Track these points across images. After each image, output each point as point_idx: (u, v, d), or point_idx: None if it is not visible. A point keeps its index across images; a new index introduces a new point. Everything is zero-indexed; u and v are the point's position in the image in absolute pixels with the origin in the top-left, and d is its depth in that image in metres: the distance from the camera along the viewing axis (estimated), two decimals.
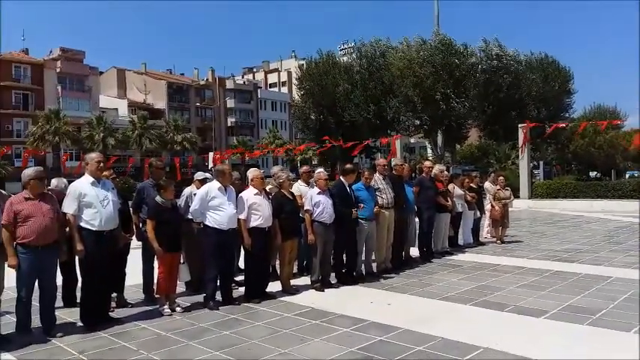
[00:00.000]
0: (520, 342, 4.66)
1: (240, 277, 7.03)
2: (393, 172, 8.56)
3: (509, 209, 11.67)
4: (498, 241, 11.04)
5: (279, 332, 5.10)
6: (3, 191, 5.25)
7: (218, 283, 6.25)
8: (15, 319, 5.10)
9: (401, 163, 9.00)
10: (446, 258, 9.25)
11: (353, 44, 49.00)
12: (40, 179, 5.08)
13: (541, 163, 38.36)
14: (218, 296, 6.22)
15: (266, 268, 6.84)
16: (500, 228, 11.15)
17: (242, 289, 6.65)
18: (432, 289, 6.90)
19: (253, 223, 6.37)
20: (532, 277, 7.50)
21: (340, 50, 62.32)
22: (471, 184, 10.91)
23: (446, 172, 10.36)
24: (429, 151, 49.41)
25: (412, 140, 64.96)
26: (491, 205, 11.17)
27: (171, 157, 39.60)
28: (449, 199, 9.63)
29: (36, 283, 5.09)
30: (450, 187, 10.03)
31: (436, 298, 6.41)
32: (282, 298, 6.49)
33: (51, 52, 56.45)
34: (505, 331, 5.01)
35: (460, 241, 10.59)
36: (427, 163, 10.18)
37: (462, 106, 32.75)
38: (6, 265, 4.93)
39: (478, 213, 10.99)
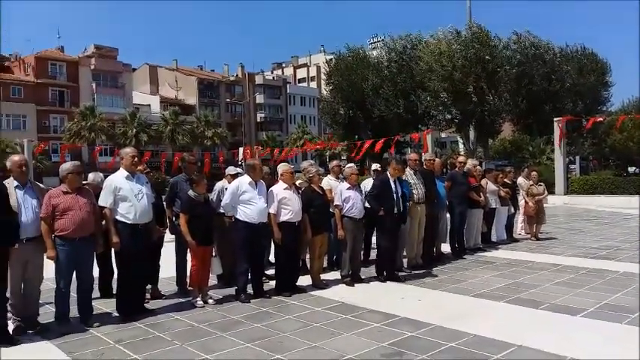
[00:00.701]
0: (555, 340, 4.56)
1: (271, 271, 7.08)
2: (424, 166, 8.46)
3: (545, 205, 11.41)
4: (533, 238, 10.81)
5: (310, 326, 5.12)
6: (41, 185, 5.39)
7: (249, 277, 6.32)
8: (54, 309, 5.25)
9: (431, 157, 8.90)
10: (478, 254, 9.12)
11: (383, 38, 48.53)
12: (77, 174, 5.22)
13: (577, 158, 37.35)
14: (249, 289, 6.29)
15: (296, 262, 6.87)
16: (535, 224, 10.92)
17: (272, 283, 6.70)
18: (464, 285, 6.81)
19: (283, 218, 6.40)
20: (568, 274, 7.32)
21: (370, 44, 61.94)
22: (505, 180, 10.70)
23: (479, 167, 10.19)
24: (461, 145, 48.66)
25: (443, 135, 64.10)
26: (525, 201, 10.95)
27: (202, 152, 40.17)
28: (482, 194, 9.47)
29: (74, 275, 5.24)
30: (483, 182, 9.87)
31: (468, 294, 6.32)
32: (312, 292, 6.51)
33: (85, 49, 57.83)
34: (540, 329, 4.92)
35: (493, 238, 10.42)
36: (461, 158, 10.02)
37: (496, 99, 32.07)
38: (45, 257, 5.08)
39: (512, 209, 10.78)
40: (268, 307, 5.83)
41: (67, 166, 5.28)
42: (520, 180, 11.45)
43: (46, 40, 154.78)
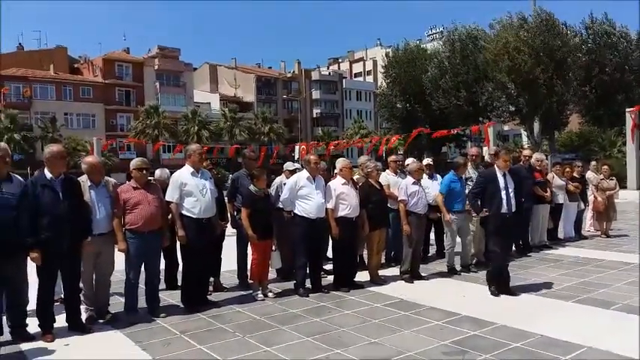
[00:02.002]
0: (627, 342, 4.31)
1: (329, 266, 7.11)
2: (487, 161, 8.22)
3: (615, 201, 10.80)
4: (603, 235, 10.27)
5: (369, 322, 5.10)
6: (113, 180, 5.64)
7: (307, 271, 6.37)
8: (123, 300, 5.50)
9: (496, 151, 8.61)
10: (544, 252, 8.75)
11: (441, 29, 47.51)
12: (141, 170, 5.42)
13: None
14: (307, 284, 6.34)
15: (354, 257, 6.86)
16: (605, 221, 10.36)
17: (331, 278, 6.72)
18: (529, 284, 6.55)
19: (341, 213, 6.40)
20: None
21: (428, 36, 60.80)
22: (574, 174, 10.21)
23: (546, 161, 9.76)
24: (525, 138, 46.89)
25: (506, 128, 62.01)
26: (594, 196, 10.40)
27: (259, 148, 40.89)
28: (548, 189, 9.08)
29: (142, 267, 5.47)
30: (550, 176, 9.46)
31: (534, 293, 6.08)
32: (370, 288, 6.48)
33: (149, 50, 60.14)
34: (610, 330, 4.67)
35: (560, 235, 9.97)
36: (525, 152, 9.63)
37: (565, 90, 30.64)
38: (116, 249, 5.33)
39: (581, 204, 10.27)
40: (327, 302, 5.86)
41: (134, 162, 5.51)
42: (589, 174, 10.88)
43: (113, 43, 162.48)
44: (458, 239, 7.35)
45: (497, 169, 6.24)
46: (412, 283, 6.73)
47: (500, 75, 31.62)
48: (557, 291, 6.16)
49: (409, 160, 8.54)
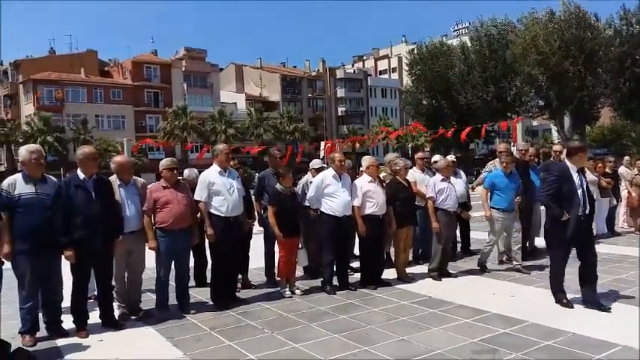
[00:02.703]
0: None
1: (356, 264, 7.10)
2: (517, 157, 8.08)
3: None
4: (637, 232, 9.99)
5: (397, 319, 5.08)
6: (142, 179, 5.75)
7: (334, 269, 6.38)
8: (154, 297, 5.61)
9: (525, 147, 8.47)
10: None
11: (467, 24, 46.87)
12: (171, 170, 5.52)
13: None
14: (334, 281, 6.35)
15: (381, 255, 6.84)
16: (639, 217, 10.08)
17: (357, 276, 6.72)
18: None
19: (367, 211, 6.39)
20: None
21: (454, 31, 60.07)
22: (606, 169, 9.96)
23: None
24: (555, 133, 45.93)
25: (535, 123, 60.89)
26: (628, 192, 10.13)
27: (285, 147, 41.05)
28: None
29: (172, 264, 5.57)
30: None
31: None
32: (397, 286, 6.46)
33: (177, 52, 60.96)
34: None
35: (593, 231, 9.73)
36: (556, 147, 9.44)
37: (596, 82, 29.87)
38: (146, 248, 5.45)
39: (614, 200, 10.01)
40: (354, 299, 5.86)
41: (164, 162, 5.62)
42: (622, 169, 10.60)
43: (141, 46, 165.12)
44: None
45: (569, 164, 5.46)
46: (440, 280, 6.68)
47: (529, 68, 31.02)
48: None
49: (436, 157, 8.48)
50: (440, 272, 6.84)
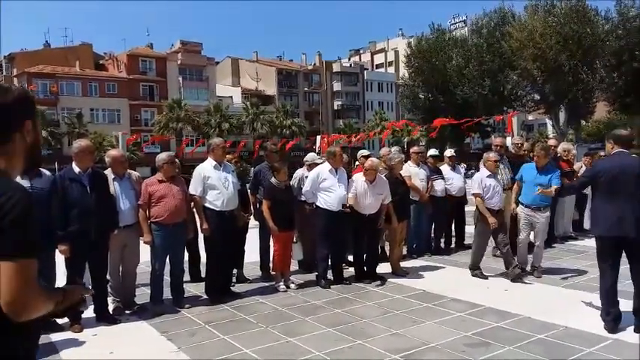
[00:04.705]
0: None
1: (351, 258, 7.11)
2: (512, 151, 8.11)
3: None
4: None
5: (391, 313, 5.11)
6: (137, 173, 5.74)
7: (329, 263, 6.40)
8: (149, 291, 5.61)
9: (519, 141, 8.50)
10: (569, 243, 8.63)
11: (465, 17, 46.83)
12: (172, 163, 5.53)
13: None
14: (329, 275, 6.37)
15: (376, 249, 6.85)
16: None
17: (352, 270, 6.74)
18: (553, 275, 6.47)
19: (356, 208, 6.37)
20: None
21: (451, 25, 59.97)
22: None
23: (574, 152, 9.56)
24: (550, 128, 46.06)
25: (530, 117, 60.99)
26: None
27: (280, 141, 41.00)
28: (575, 180, 8.90)
29: (167, 259, 5.56)
30: (577, 166, 9.28)
31: (558, 285, 6.02)
32: (392, 280, 6.49)
33: (172, 45, 60.66)
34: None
35: (586, 225, 9.77)
36: (551, 142, 9.47)
37: (591, 77, 29.90)
38: (141, 242, 5.44)
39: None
40: (349, 294, 5.89)
41: (162, 156, 5.60)
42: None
43: (136, 39, 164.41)
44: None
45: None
46: (486, 278, 6.43)
47: (526, 62, 31.04)
48: (582, 282, 6.08)
49: (447, 152, 8.49)
50: (476, 269, 6.58)
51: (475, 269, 6.59)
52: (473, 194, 6.50)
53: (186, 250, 6.16)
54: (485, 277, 6.45)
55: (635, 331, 4.27)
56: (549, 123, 44.64)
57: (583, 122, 39.84)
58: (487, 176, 6.48)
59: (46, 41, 57.49)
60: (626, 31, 31.84)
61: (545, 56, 30.13)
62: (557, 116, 34.17)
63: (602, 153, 10.65)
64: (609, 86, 32.48)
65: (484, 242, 6.55)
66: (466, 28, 41.51)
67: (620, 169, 4.40)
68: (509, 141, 9.92)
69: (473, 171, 21.77)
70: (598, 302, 5.25)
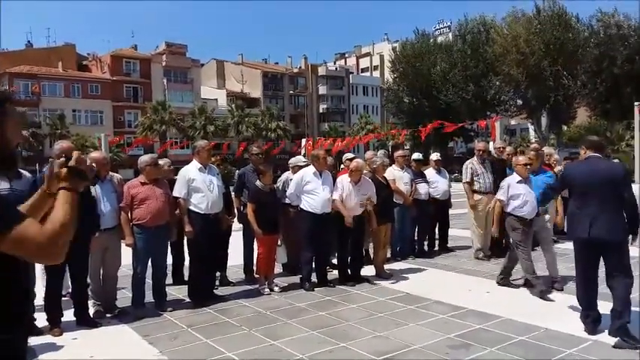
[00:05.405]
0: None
1: (335, 261, 7.12)
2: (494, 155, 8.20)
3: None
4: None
5: (375, 315, 5.12)
6: (118, 176, 5.68)
7: (313, 266, 6.39)
8: (130, 294, 5.55)
9: (502, 145, 8.60)
10: None
11: (449, 23, 47.28)
12: (155, 165, 5.48)
13: None
14: (313, 278, 6.36)
15: (360, 252, 6.87)
16: None
17: (336, 272, 6.74)
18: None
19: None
20: None
21: (435, 30, 60.49)
22: None
23: (556, 156, 9.69)
24: (532, 133, 46.68)
25: (513, 122, 61.73)
26: None
27: (265, 144, 40.89)
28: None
29: (149, 262, 5.51)
30: (558, 169, 9.39)
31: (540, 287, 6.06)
32: (376, 282, 6.50)
33: (157, 47, 60.24)
34: None
35: (566, 228, 9.90)
36: (534, 146, 9.59)
37: (572, 83, 30.44)
38: (123, 244, 5.38)
39: None
40: (332, 296, 5.89)
41: (145, 158, 5.55)
42: None
43: (121, 40, 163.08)
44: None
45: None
46: (509, 286, 6.03)
47: (509, 68, 31.49)
48: (562, 285, 6.13)
49: (433, 156, 8.54)
50: (507, 280, 6.16)
51: (535, 281, 5.80)
52: (496, 200, 6.03)
53: (170, 252, 6.11)
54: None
55: (609, 333, 4.29)
56: (531, 128, 45.25)
57: (564, 127, 40.49)
58: (517, 182, 5.81)
59: (29, 41, 56.76)
60: (607, 38, 32.50)
61: (527, 62, 30.62)
62: (539, 121, 34.71)
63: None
64: (590, 92, 33.09)
65: (527, 249, 5.90)
66: (450, 34, 41.85)
67: (590, 174, 4.48)
68: (492, 145, 10.03)
69: (457, 174, 21.93)
70: (577, 305, 5.34)
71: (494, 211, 5.99)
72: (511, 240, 5.97)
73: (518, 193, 5.74)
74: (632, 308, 4.82)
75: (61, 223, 1.52)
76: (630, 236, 4.41)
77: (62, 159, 1.63)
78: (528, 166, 5.90)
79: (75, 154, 1.64)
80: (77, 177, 1.63)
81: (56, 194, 1.62)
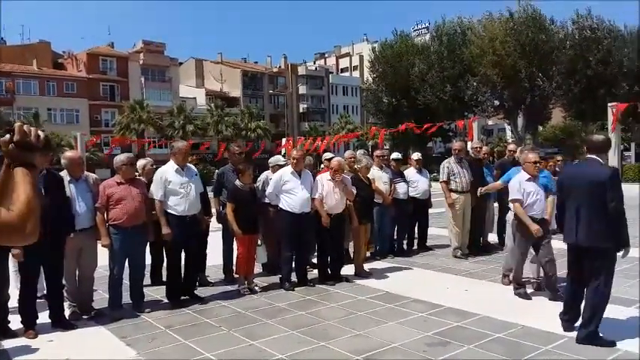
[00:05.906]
0: (607, 332, 4.35)
1: (315, 260, 7.13)
2: (472, 154, 8.30)
3: None
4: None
5: (354, 314, 5.14)
6: (94, 175, 5.59)
7: (293, 265, 6.38)
8: (107, 296, 5.46)
9: (478, 145, 8.71)
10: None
11: (427, 24, 47.72)
12: (130, 165, 5.40)
13: (632, 144, 35.64)
14: (293, 278, 6.36)
15: (340, 251, 6.88)
16: None
17: (316, 272, 6.74)
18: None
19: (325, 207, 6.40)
20: (623, 264, 6.98)
21: (414, 31, 60.95)
22: (556, 168, 10.31)
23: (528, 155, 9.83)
24: (509, 133, 47.39)
25: (490, 122, 62.57)
26: None
27: (245, 144, 40.69)
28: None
29: (126, 262, 5.43)
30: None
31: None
32: (356, 281, 6.52)
33: (134, 45, 59.45)
34: None
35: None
36: (511, 147, 9.71)
37: (547, 84, 31.01)
38: (99, 245, 5.30)
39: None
40: (312, 296, 5.89)
41: (121, 157, 5.47)
42: None
43: (97, 38, 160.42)
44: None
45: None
46: (530, 299, 5.63)
47: (485, 69, 31.93)
48: (540, 283, 6.23)
49: (414, 156, 8.58)
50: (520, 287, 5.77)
51: (519, 287, 5.69)
52: (510, 200, 5.60)
53: (149, 253, 6.04)
54: (529, 298, 5.62)
55: (576, 341, 4.21)
56: (508, 128, 45.95)
57: (540, 127, 41.18)
58: (526, 180, 5.53)
59: (2, 38, 55.55)
60: (582, 40, 33.16)
61: (504, 63, 31.07)
62: (515, 121, 35.25)
63: (559, 157, 11.05)
64: (565, 93, 33.71)
65: (523, 255, 5.72)
66: (428, 36, 42.27)
67: (574, 177, 4.43)
68: (469, 145, 10.15)
69: (435, 174, 22.12)
70: (554, 302, 5.45)
71: (517, 211, 5.50)
72: (514, 240, 5.78)
73: (528, 192, 5.48)
74: (632, 313, 4.96)
75: (25, 202, 1.50)
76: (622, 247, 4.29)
77: (7, 136, 1.59)
78: (538, 165, 5.60)
79: (16, 127, 1.60)
80: (26, 150, 1.59)
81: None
